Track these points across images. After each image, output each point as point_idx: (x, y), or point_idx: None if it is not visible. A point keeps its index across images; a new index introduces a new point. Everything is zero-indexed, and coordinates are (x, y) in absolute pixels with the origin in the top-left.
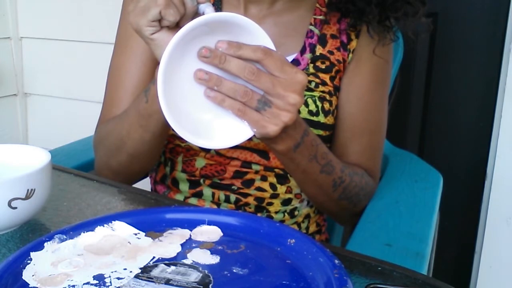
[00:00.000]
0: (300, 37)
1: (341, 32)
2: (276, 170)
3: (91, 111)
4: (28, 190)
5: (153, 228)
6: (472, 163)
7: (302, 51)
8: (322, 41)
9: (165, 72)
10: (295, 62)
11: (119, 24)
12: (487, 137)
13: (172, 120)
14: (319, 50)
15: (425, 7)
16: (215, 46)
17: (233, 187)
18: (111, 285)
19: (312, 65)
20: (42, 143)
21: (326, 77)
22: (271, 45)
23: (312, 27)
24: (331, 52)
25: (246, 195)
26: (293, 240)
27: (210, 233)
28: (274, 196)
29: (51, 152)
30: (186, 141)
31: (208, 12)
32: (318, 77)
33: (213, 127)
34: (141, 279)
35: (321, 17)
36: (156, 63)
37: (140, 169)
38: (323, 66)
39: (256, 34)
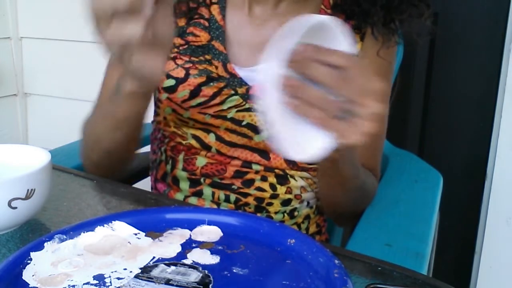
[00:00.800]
0: None
1: None
2: (276, 170)
3: None
4: (28, 190)
5: (153, 228)
6: (472, 163)
7: None
8: None
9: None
10: None
11: None
12: (487, 137)
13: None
14: None
15: (429, 9)
16: (300, 50)
17: (233, 186)
18: (111, 285)
19: None
20: (42, 143)
21: None
22: (354, 50)
23: None
24: None
25: (246, 195)
26: (293, 240)
27: (210, 233)
28: (274, 196)
29: (51, 152)
30: (187, 139)
31: None
32: None
33: (293, 138)
34: (141, 279)
35: None
36: None
37: (119, 163)
38: None
39: (341, 38)
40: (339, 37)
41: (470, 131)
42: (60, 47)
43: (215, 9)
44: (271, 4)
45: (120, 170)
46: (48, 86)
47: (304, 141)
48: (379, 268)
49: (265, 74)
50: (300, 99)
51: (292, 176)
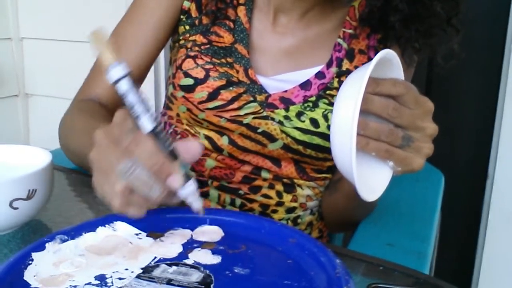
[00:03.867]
0: (327, 49)
1: (370, 48)
2: (285, 179)
3: None
4: (29, 190)
5: (154, 228)
6: (473, 162)
7: (329, 64)
8: (350, 55)
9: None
10: (320, 75)
11: None
12: (488, 136)
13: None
14: (345, 65)
15: (459, 35)
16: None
17: (239, 191)
18: (112, 285)
19: (337, 79)
20: (43, 144)
21: None
22: (402, 76)
23: (340, 40)
24: (357, 68)
25: (252, 200)
26: (294, 240)
27: (211, 233)
28: (280, 204)
29: (52, 152)
30: (199, 139)
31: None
32: None
33: (363, 177)
34: (143, 279)
35: (350, 30)
36: (161, 43)
37: None
38: None
39: (391, 66)
40: (390, 65)
41: (472, 130)
42: (61, 47)
43: (241, 11)
44: (296, 15)
45: None
46: (49, 86)
47: (370, 179)
48: (381, 268)
49: (345, 122)
50: (362, 135)
51: (299, 186)
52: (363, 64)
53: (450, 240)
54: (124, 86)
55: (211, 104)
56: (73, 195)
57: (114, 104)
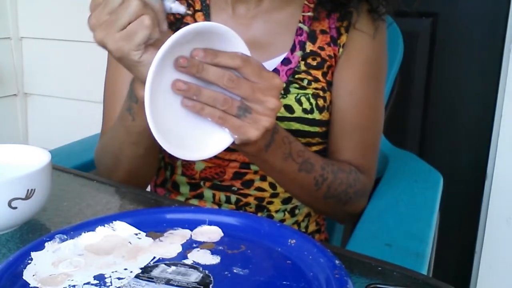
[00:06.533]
0: (290, 35)
1: (331, 27)
2: None
3: (91, 111)
4: (28, 190)
5: (153, 228)
6: (472, 163)
7: (292, 49)
8: (312, 37)
9: (150, 91)
10: (286, 61)
11: None
12: (487, 137)
13: (159, 137)
14: (309, 47)
15: None
16: (190, 55)
17: (233, 188)
18: (111, 285)
19: (303, 62)
20: (42, 143)
21: (318, 74)
22: (247, 51)
23: (301, 24)
24: (321, 48)
25: (246, 195)
26: (294, 241)
27: (210, 233)
28: (274, 195)
29: (51, 152)
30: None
31: (174, 8)
32: (310, 74)
33: (193, 137)
34: (142, 279)
35: (309, 13)
36: None
37: (140, 182)
38: (314, 63)
39: (232, 41)
40: (231, 40)
41: (470, 131)
42: (60, 47)
43: (199, 17)
44: (253, 2)
45: (142, 186)
46: (48, 86)
47: (197, 141)
48: (379, 268)
49: (153, 80)
50: (196, 101)
51: None
52: (326, 43)
53: (448, 241)
54: None
55: None
56: (72, 195)
57: None
